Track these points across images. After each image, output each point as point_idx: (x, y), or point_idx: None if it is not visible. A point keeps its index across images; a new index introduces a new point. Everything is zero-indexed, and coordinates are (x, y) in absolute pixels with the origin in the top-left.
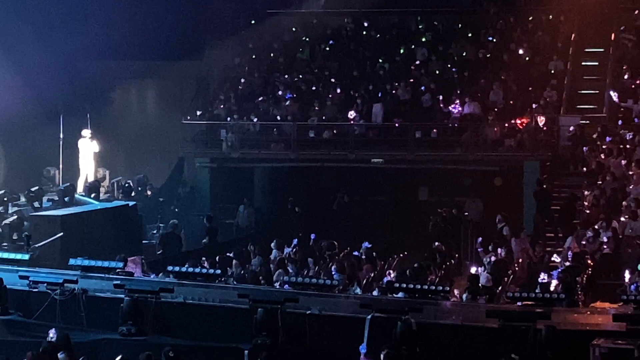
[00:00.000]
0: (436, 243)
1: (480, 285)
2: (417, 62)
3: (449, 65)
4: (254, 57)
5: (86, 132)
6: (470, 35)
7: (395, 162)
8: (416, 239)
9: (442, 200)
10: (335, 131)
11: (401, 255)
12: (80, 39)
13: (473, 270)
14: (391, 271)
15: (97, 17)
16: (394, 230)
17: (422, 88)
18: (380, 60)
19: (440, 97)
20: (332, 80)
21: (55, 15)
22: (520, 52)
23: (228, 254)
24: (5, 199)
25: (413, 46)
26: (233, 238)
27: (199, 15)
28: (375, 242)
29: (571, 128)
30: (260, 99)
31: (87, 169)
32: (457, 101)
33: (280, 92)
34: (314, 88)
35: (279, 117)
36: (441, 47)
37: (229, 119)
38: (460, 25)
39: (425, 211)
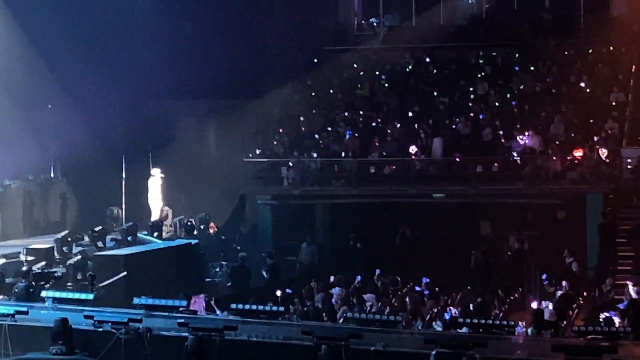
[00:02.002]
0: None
1: (545, 319)
2: (477, 96)
3: (509, 99)
4: (313, 94)
5: (155, 171)
6: (530, 68)
7: (456, 196)
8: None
9: (504, 235)
10: (394, 167)
11: (464, 290)
12: (141, 79)
13: (534, 304)
14: (453, 307)
15: (157, 57)
16: (457, 265)
17: (483, 122)
18: (439, 95)
19: (501, 132)
20: (392, 115)
21: (116, 56)
22: (581, 84)
23: (290, 291)
24: (69, 239)
25: (472, 80)
26: (296, 275)
27: (259, 54)
28: (437, 277)
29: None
30: (320, 135)
31: (157, 207)
32: (525, 132)
33: (340, 129)
34: (373, 124)
35: (339, 153)
36: (501, 80)
37: (289, 156)
38: (519, 58)
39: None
